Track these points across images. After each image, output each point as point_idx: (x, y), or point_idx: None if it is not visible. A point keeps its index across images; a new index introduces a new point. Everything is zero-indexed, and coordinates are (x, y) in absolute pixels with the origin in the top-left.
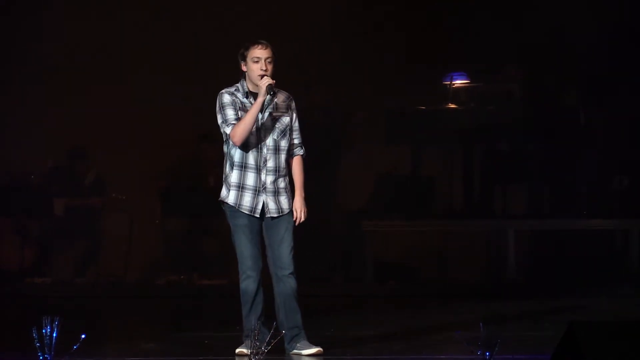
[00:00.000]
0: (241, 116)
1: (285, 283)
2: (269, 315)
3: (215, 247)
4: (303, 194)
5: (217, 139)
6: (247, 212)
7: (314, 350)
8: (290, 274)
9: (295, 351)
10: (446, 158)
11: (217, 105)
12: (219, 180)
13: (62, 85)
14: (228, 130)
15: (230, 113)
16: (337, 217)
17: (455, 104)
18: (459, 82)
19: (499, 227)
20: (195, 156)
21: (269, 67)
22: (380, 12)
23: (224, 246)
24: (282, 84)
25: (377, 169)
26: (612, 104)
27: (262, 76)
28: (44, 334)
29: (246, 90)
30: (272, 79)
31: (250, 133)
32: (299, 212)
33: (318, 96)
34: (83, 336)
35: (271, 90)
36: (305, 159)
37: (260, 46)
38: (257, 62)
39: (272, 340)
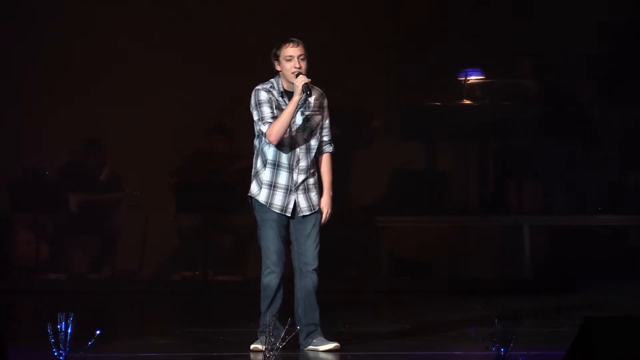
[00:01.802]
0: (277, 114)
1: (308, 278)
2: (285, 311)
3: (229, 243)
4: (331, 193)
5: (230, 131)
6: (277, 211)
7: (331, 345)
8: (314, 269)
9: (311, 347)
10: (461, 154)
11: (253, 101)
12: (234, 175)
13: (76, 81)
14: (264, 128)
15: (267, 111)
16: (352, 213)
17: (470, 100)
18: (473, 78)
19: (514, 223)
20: (209, 150)
21: (302, 65)
22: (396, 9)
23: (238, 242)
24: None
25: (392, 165)
26: (627, 99)
27: (297, 74)
28: (59, 329)
29: (281, 89)
30: (306, 76)
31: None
32: (325, 211)
33: (333, 93)
34: (98, 332)
35: (307, 89)
36: (334, 156)
37: (292, 44)
38: (290, 60)
39: (287, 337)
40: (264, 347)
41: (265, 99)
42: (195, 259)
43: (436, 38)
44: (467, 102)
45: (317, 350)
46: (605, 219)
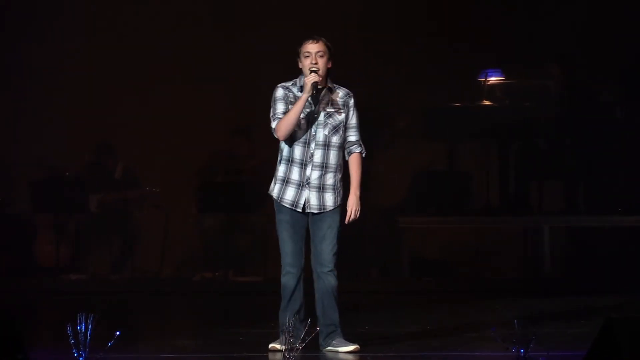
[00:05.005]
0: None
1: (324, 280)
2: (306, 312)
3: (250, 243)
4: (358, 193)
5: (249, 133)
6: (288, 206)
7: (351, 347)
8: (330, 271)
9: (330, 348)
10: (482, 154)
11: (272, 98)
12: (254, 175)
13: (98, 82)
14: (273, 124)
15: (279, 107)
16: (374, 214)
17: (491, 101)
18: (494, 79)
19: (535, 223)
20: (230, 151)
21: (320, 61)
22: (417, 10)
23: (259, 243)
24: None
25: (413, 166)
26: None
27: (312, 71)
28: (79, 330)
29: (302, 85)
30: (324, 71)
31: (299, 127)
32: (350, 210)
33: (354, 93)
34: (118, 333)
35: (316, 87)
36: (364, 157)
37: (311, 41)
38: (308, 56)
39: (307, 337)
40: (282, 346)
41: (280, 95)
42: (215, 259)
43: (457, 39)
44: (488, 102)
45: (337, 352)
46: (626, 220)
